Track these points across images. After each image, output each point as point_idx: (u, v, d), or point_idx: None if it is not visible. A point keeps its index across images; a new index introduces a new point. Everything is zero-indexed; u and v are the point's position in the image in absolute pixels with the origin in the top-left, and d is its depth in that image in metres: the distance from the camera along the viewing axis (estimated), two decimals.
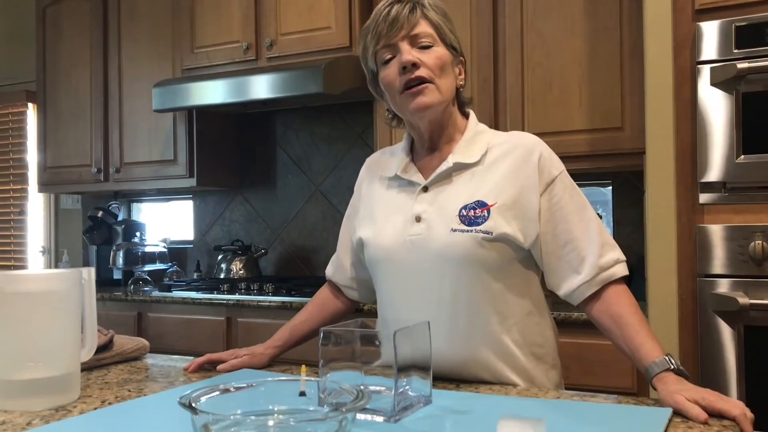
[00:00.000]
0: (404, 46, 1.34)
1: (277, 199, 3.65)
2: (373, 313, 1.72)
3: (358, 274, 1.57)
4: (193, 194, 3.89)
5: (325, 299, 1.63)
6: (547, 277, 1.37)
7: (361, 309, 2.50)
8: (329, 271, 1.64)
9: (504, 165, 1.36)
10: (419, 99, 1.33)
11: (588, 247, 1.31)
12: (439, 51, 1.35)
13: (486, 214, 1.31)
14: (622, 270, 1.32)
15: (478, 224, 1.30)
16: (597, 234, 1.32)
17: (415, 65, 1.32)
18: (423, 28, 1.35)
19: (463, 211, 1.32)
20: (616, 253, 1.33)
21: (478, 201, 1.33)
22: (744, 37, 1.94)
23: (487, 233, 1.30)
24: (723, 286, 1.96)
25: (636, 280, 2.57)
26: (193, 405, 0.87)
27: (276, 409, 0.98)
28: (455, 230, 1.31)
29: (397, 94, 1.36)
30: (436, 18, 1.37)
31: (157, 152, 3.50)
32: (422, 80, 1.33)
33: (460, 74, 1.42)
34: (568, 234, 1.33)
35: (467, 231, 1.30)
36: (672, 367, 1.16)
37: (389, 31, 1.34)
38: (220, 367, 1.42)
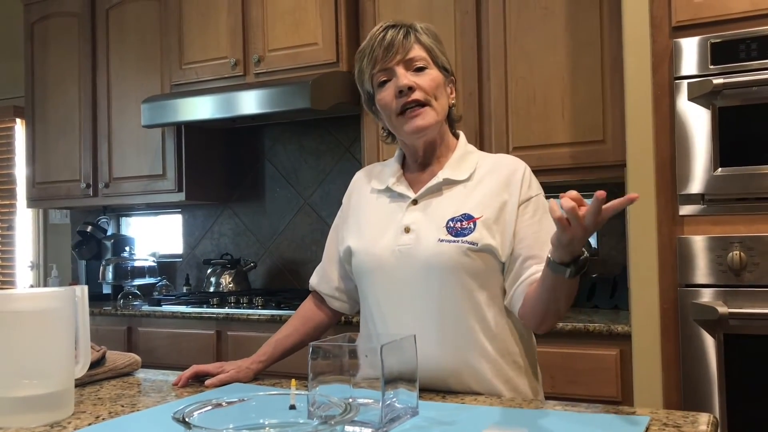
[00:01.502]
0: (400, 70, 1.40)
1: (265, 212, 3.67)
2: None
3: (343, 285, 1.60)
4: (182, 208, 3.91)
5: (308, 312, 1.65)
6: None
7: (349, 321, 2.53)
8: (313, 280, 1.66)
9: (490, 182, 1.43)
10: (416, 122, 1.41)
11: (537, 265, 1.36)
12: (433, 73, 1.42)
13: (472, 227, 1.37)
14: None
15: (465, 235, 1.37)
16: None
17: (411, 89, 1.39)
18: (417, 52, 1.41)
19: (451, 222, 1.39)
20: None
21: (464, 214, 1.39)
22: (719, 54, 1.99)
23: (473, 244, 1.36)
24: (704, 296, 2.01)
25: (619, 290, 2.62)
26: (187, 420, 0.89)
27: (267, 422, 1.01)
28: (442, 240, 1.37)
29: (393, 116, 1.43)
30: (429, 42, 1.43)
31: (146, 167, 3.52)
32: (418, 103, 1.40)
33: (451, 93, 1.48)
34: (526, 251, 1.38)
35: (454, 241, 1.37)
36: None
37: (385, 56, 1.40)
38: (208, 382, 1.46)
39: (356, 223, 1.53)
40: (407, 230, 1.42)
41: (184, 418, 0.89)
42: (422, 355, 1.19)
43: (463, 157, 1.48)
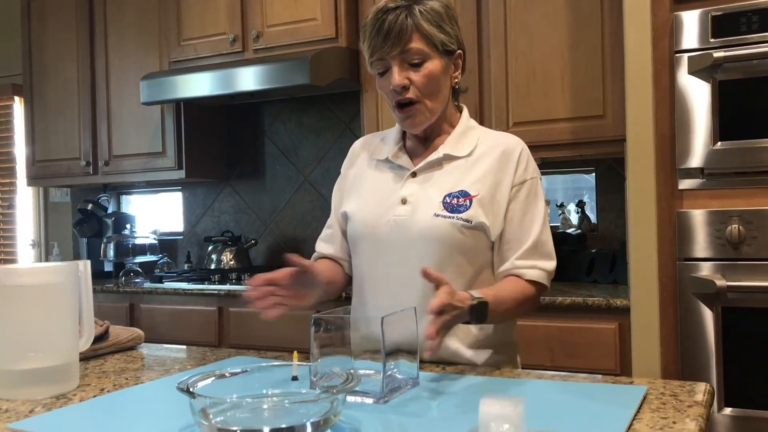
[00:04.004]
0: (395, 65, 1.39)
1: (265, 189, 3.68)
2: None
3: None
4: (183, 186, 3.92)
5: (333, 271, 1.55)
6: None
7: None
8: (326, 248, 1.59)
9: (488, 160, 1.44)
10: (409, 121, 1.43)
11: (518, 248, 1.41)
12: (430, 66, 1.39)
13: (468, 204, 1.39)
14: (533, 274, 1.40)
15: (460, 212, 1.38)
16: (533, 241, 1.41)
17: (404, 88, 1.39)
18: (414, 44, 1.37)
19: (447, 198, 1.40)
20: (540, 261, 1.41)
21: (461, 191, 1.40)
22: (720, 27, 1.99)
23: (467, 221, 1.38)
24: (702, 269, 2.02)
25: (619, 265, 2.63)
26: (191, 390, 0.91)
27: (270, 392, 1.02)
28: (438, 215, 1.39)
29: (390, 107, 1.45)
30: (429, 28, 1.38)
31: (145, 145, 3.52)
32: (412, 102, 1.40)
33: (455, 71, 1.47)
34: (509, 234, 1.42)
35: (449, 217, 1.38)
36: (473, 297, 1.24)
37: (382, 47, 1.38)
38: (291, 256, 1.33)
39: (355, 190, 1.54)
40: (404, 202, 1.43)
41: (188, 388, 0.91)
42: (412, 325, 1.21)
43: (465, 133, 1.49)
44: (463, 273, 1.40)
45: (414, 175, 1.46)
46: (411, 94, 1.40)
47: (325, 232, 1.62)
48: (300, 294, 1.36)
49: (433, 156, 1.46)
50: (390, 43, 1.37)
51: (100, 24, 3.63)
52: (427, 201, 1.41)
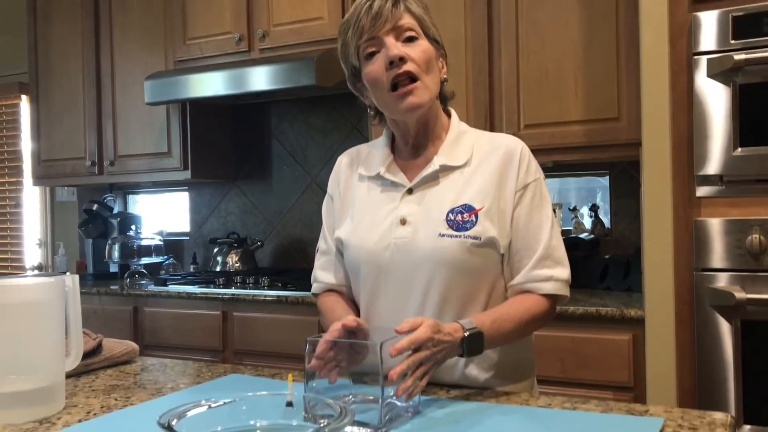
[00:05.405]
0: (389, 39, 1.29)
1: (272, 190, 3.62)
2: None
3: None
4: (189, 186, 3.87)
5: (347, 300, 1.46)
6: None
7: None
8: (328, 278, 1.47)
9: (488, 167, 1.34)
10: (410, 99, 1.29)
11: (529, 257, 1.32)
12: (424, 44, 1.31)
13: (474, 219, 1.29)
14: (550, 287, 1.31)
15: (467, 229, 1.28)
16: (543, 248, 1.31)
17: (402, 59, 1.28)
18: (407, 20, 1.30)
19: (451, 215, 1.30)
20: (555, 270, 1.32)
21: (465, 205, 1.31)
22: (741, 28, 1.90)
23: (476, 238, 1.28)
24: (720, 280, 1.94)
25: (633, 272, 2.55)
26: (172, 425, 0.85)
27: (258, 424, 0.96)
28: (443, 235, 1.29)
29: (385, 92, 1.31)
30: (419, 11, 1.32)
31: (151, 145, 3.47)
32: (410, 75, 1.29)
33: (442, 68, 1.38)
34: (518, 242, 1.33)
35: (456, 236, 1.28)
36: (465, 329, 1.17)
37: (373, 25, 1.28)
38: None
39: (347, 213, 1.43)
40: (404, 222, 1.33)
41: (168, 424, 0.85)
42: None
43: (458, 139, 1.38)
44: (474, 296, 1.31)
45: (410, 191, 1.36)
46: (409, 68, 1.28)
47: (322, 259, 1.49)
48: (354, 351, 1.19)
49: (429, 169, 1.34)
50: (382, 19, 1.28)
51: (106, 22, 3.58)
52: (429, 220, 1.31)
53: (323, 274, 1.48)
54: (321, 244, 1.51)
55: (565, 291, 1.33)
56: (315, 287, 1.50)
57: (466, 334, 1.15)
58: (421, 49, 1.30)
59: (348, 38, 1.33)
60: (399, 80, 1.29)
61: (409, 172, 1.38)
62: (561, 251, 1.34)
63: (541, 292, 1.31)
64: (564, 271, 1.33)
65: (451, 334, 1.13)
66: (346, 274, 1.45)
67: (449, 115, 1.43)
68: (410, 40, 1.30)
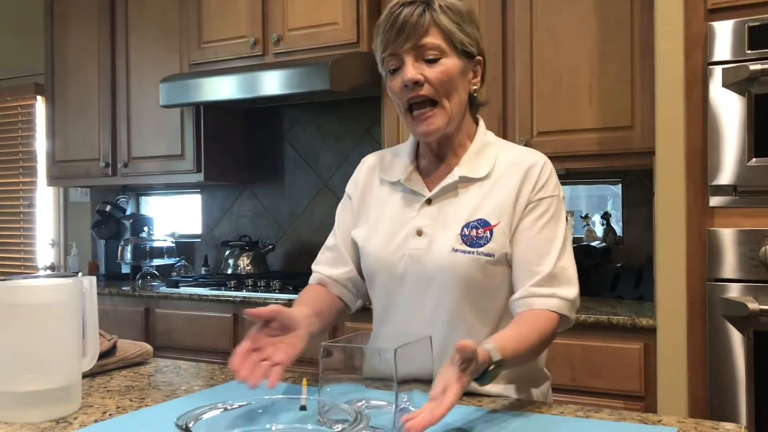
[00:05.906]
0: (409, 59, 1.27)
1: (284, 194, 3.64)
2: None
3: (354, 274, 1.45)
4: (202, 189, 3.89)
5: (328, 301, 1.43)
6: None
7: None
8: (325, 269, 1.46)
9: (508, 182, 1.32)
10: (424, 127, 1.29)
11: (533, 272, 1.28)
12: (447, 63, 1.28)
13: (488, 235, 1.28)
14: (554, 304, 1.26)
15: (481, 245, 1.27)
16: (550, 266, 1.27)
17: (417, 83, 1.27)
18: (431, 38, 1.27)
19: (465, 230, 1.29)
20: (561, 289, 1.27)
21: (480, 220, 1.30)
22: (757, 38, 1.90)
23: (490, 255, 1.27)
24: (733, 291, 1.94)
25: (644, 281, 2.54)
26: (189, 426, 0.86)
27: (274, 428, 0.97)
28: (457, 250, 1.28)
29: (402, 112, 1.33)
30: (448, 24, 1.28)
31: (164, 147, 3.49)
32: (426, 100, 1.28)
33: (474, 77, 1.35)
34: (521, 254, 1.29)
35: (469, 252, 1.27)
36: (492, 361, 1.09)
37: (395, 40, 1.27)
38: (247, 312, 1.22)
39: (365, 217, 1.43)
40: (419, 233, 1.32)
41: (186, 426, 0.86)
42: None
43: (482, 150, 1.36)
44: (487, 310, 1.30)
45: (429, 202, 1.35)
46: (426, 92, 1.26)
47: (326, 254, 1.48)
48: (289, 342, 1.20)
49: (448, 180, 1.33)
50: (404, 36, 1.25)
51: (121, 24, 3.61)
52: (443, 233, 1.30)
53: (321, 266, 1.47)
54: (329, 240, 1.50)
55: (567, 311, 1.28)
56: (310, 279, 1.49)
57: (491, 368, 1.09)
58: (441, 70, 1.27)
59: (377, 44, 1.32)
60: (414, 102, 1.29)
61: (430, 179, 1.38)
62: (571, 272, 1.30)
63: (540, 308, 1.26)
64: (570, 291, 1.28)
65: (477, 369, 1.06)
66: (345, 271, 1.44)
67: (477, 123, 1.41)
68: (432, 61, 1.27)
